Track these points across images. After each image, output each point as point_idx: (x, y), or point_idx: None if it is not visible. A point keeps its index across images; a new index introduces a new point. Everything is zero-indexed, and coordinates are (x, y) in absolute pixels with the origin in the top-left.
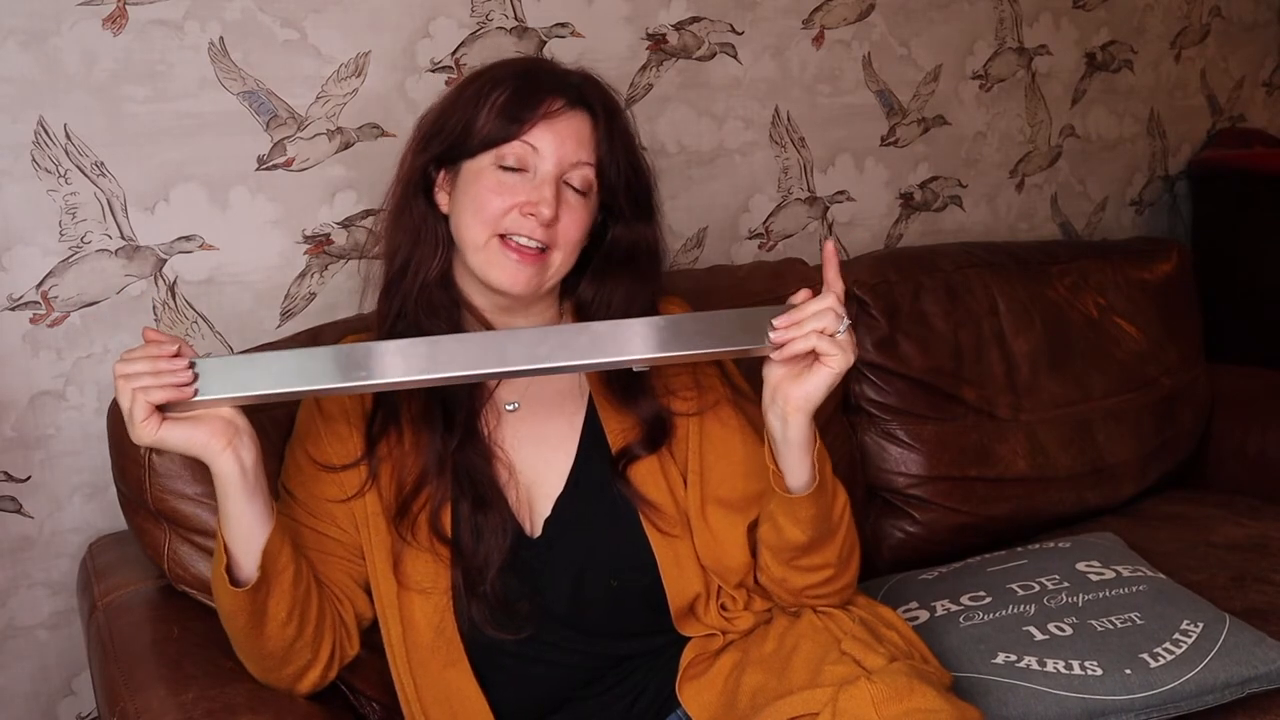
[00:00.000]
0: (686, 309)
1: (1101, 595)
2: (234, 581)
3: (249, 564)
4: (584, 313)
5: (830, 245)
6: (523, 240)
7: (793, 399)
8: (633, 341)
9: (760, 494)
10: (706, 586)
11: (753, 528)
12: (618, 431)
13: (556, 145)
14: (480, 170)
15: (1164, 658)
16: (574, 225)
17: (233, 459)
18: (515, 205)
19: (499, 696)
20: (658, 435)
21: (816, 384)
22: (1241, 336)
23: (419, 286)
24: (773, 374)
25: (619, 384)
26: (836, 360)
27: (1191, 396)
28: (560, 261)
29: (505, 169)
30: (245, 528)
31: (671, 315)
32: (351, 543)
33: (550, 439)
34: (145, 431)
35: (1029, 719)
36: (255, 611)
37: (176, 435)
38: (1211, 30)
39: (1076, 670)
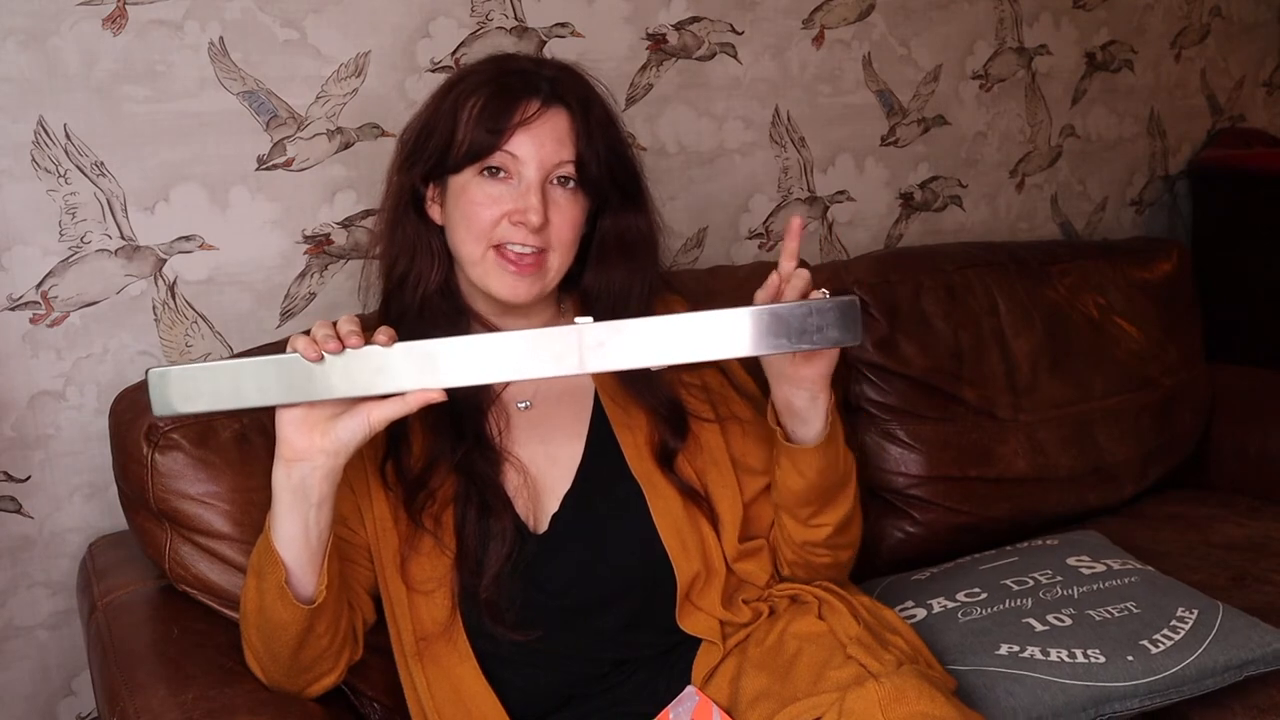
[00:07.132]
0: (685, 307)
1: (1096, 587)
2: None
3: (308, 579)
4: (589, 303)
5: (797, 222)
6: (517, 248)
7: (821, 374)
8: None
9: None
10: (706, 565)
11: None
12: (624, 424)
13: (536, 149)
14: (466, 183)
15: (1164, 644)
16: (566, 224)
17: (345, 460)
18: (504, 215)
19: (508, 693)
20: (679, 422)
21: (829, 357)
22: (1241, 336)
23: (420, 299)
24: (785, 362)
25: (626, 377)
26: None
27: (1191, 396)
28: (558, 262)
29: (490, 179)
30: (317, 540)
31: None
32: (361, 544)
33: (559, 435)
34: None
35: (1036, 708)
36: (309, 626)
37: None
38: (1211, 30)
39: (1080, 659)
